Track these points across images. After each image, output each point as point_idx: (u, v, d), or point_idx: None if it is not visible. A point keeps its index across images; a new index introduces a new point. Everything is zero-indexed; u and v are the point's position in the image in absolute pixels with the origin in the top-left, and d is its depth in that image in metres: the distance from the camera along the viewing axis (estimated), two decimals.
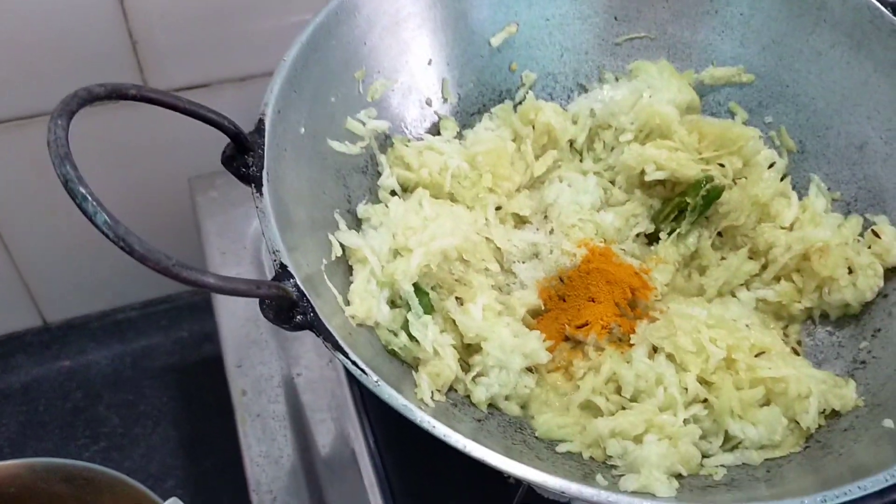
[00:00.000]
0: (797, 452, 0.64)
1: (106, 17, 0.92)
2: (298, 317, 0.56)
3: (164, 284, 1.23)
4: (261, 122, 0.65)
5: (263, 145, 0.64)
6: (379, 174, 0.80)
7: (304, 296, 0.57)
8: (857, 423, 0.64)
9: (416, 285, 0.70)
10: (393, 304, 0.71)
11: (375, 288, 0.69)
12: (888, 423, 0.61)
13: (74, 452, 1.11)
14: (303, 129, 0.71)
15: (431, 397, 0.65)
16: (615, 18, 0.88)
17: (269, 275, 0.88)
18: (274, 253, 0.59)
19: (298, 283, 0.57)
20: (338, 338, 0.56)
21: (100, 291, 1.24)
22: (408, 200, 0.77)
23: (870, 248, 0.74)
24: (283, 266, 0.58)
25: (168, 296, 1.27)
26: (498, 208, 0.81)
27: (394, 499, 0.73)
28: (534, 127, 0.84)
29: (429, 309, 0.70)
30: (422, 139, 0.83)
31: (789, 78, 0.84)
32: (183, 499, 1.09)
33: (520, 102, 0.87)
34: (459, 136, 0.86)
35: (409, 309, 0.69)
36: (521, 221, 0.82)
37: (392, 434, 0.76)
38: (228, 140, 0.63)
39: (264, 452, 0.76)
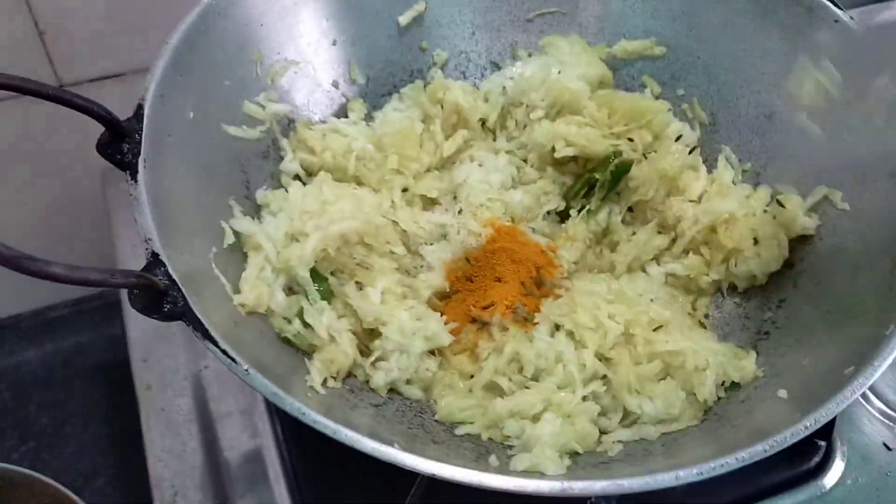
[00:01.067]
0: (695, 426, 0.63)
1: (8, 6, 0.90)
2: (168, 307, 0.54)
3: None
4: (140, 107, 0.63)
5: (141, 131, 0.62)
6: (281, 159, 0.78)
7: (176, 285, 0.55)
8: (753, 395, 0.63)
9: (314, 271, 0.69)
10: (290, 290, 0.69)
11: (270, 275, 0.68)
12: (782, 392, 0.60)
13: (2, 454, 1.09)
14: (191, 114, 0.69)
15: (324, 384, 0.63)
16: None
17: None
18: (146, 241, 0.57)
19: (170, 271, 0.55)
20: (208, 326, 0.54)
21: (31, 289, 1.21)
22: (309, 185, 0.75)
23: (775, 218, 0.73)
24: (154, 255, 0.56)
25: (101, 293, 1.25)
26: (405, 190, 0.79)
27: (300, 492, 0.71)
28: (442, 106, 0.83)
29: (327, 294, 0.69)
30: (325, 122, 0.81)
31: (700, 48, 0.83)
32: (113, 497, 1.08)
33: (429, 82, 0.86)
34: (369, 117, 0.84)
35: (307, 295, 0.68)
36: (430, 203, 0.81)
37: (300, 426, 0.74)
38: None
39: (167, 447, 0.74)
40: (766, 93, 0.79)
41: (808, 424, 0.53)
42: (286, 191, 0.74)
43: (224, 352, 0.53)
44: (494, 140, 0.85)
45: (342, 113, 0.83)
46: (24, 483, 0.77)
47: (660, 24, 0.85)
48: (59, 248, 1.10)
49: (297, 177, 0.77)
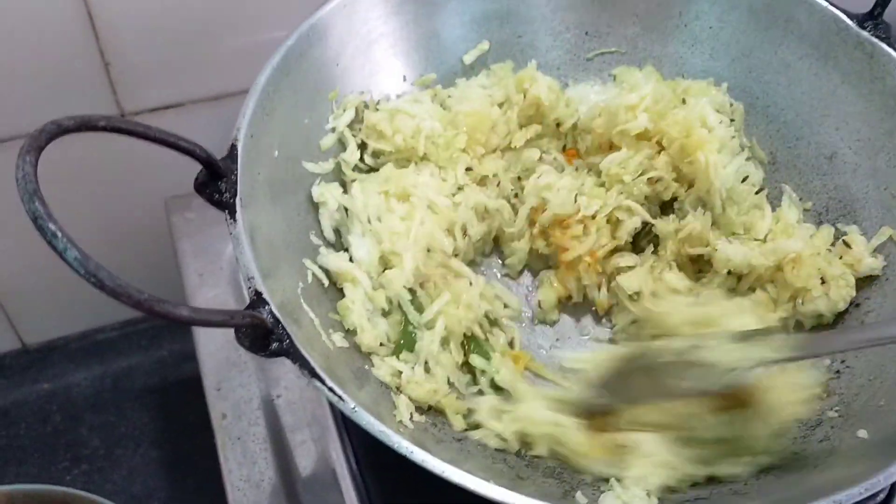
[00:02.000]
0: (778, 466, 0.64)
1: (77, 38, 0.92)
2: (274, 344, 0.56)
3: None
4: (233, 147, 0.65)
5: (236, 171, 0.64)
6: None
7: (280, 323, 0.57)
8: (832, 434, 0.65)
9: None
10: (383, 312, 0.71)
11: (371, 308, 0.71)
12: (862, 433, 0.62)
13: (56, 476, 1.10)
14: (276, 153, 0.71)
15: (410, 419, 0.65)
16: (586, 34, 0.89)
17: (246, 296, 0.89)
18: (248, 280, 0.59)
19: (273, 310, 0.57)
20: (314, 364, 0.56)
21: (78, 312, 1.23)
22: (367, 184, 0.77)
23: (841, 258, 0.75)
24: (257, 293, 0.58)
25: (147, 315, 1.26)
26: (468, 169, 0.82)
27: None
28: (525, 96, 0.84)
29: (420, 307, 0.71)
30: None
31: (759, 90, 0.85)
32: None
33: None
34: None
35: (403, 316, 0.70)
36: (483, 183, 0.83)
37: (373, 454, 0.76)
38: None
39: (245, 476, 0.76)
40: (827, 134, 0.81)
41: None
42: (341, 187, 0.76)
43: (331, 389, 0.55)
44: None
45: None
46: None
47: (719, 65, 0.87)
48: (126, 278, 1.11)
49: (355, 167, 0.79)
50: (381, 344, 0.69)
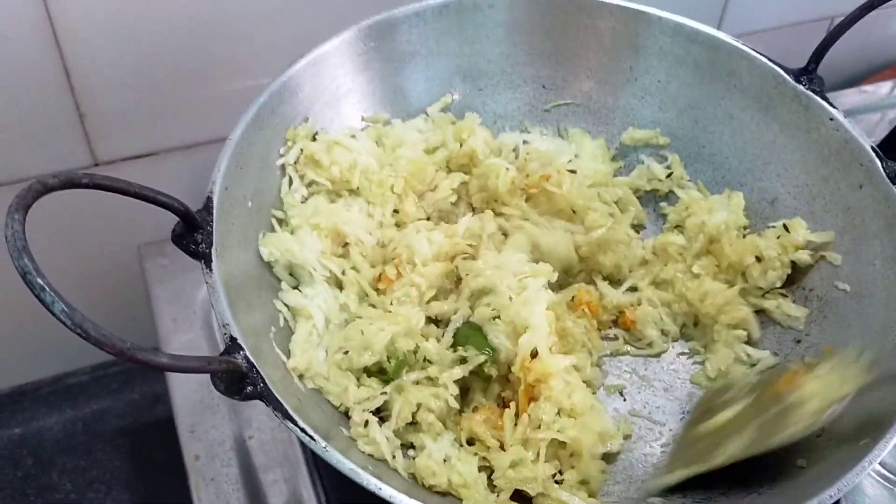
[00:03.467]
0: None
1: (53, 90, 0.95)
2: (248, 388, 0.59)
3: None
4: (209, 199, 0.69)
5: (212, 222, 0.67)
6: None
7: (254, 367, 0.60)
8: (774, 463, 0.69)
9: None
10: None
11: (317, 339, 0.74)
12: (801, 462, 0.66)
13: None
14: (250, 203, 0.75)
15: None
16: (543, 87, 0.94)
17: (220, 340, 0.92)
18: (224, 326, 0.62)
19: (248, 354, 0.60)
20: (287, 407, 0.59)
21: (49, 356, 1.24)
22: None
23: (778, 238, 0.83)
24: (232, 339, 0.61)
25: (119, 360, 1.28)
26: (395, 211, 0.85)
27: None
28: (461, 145, 0.88)
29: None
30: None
31: (705, 139, 0.91)
32: None
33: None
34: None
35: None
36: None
37: (343, 492, 0.79)
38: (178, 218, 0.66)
39: None
40: (769, 180, 0.86)
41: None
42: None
43: (303, 430, 0.58)
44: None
45: None
46: None
47: (667, 116, 0.92)
48: (100, 323, 1.13)
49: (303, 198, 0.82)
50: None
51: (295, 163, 0.81)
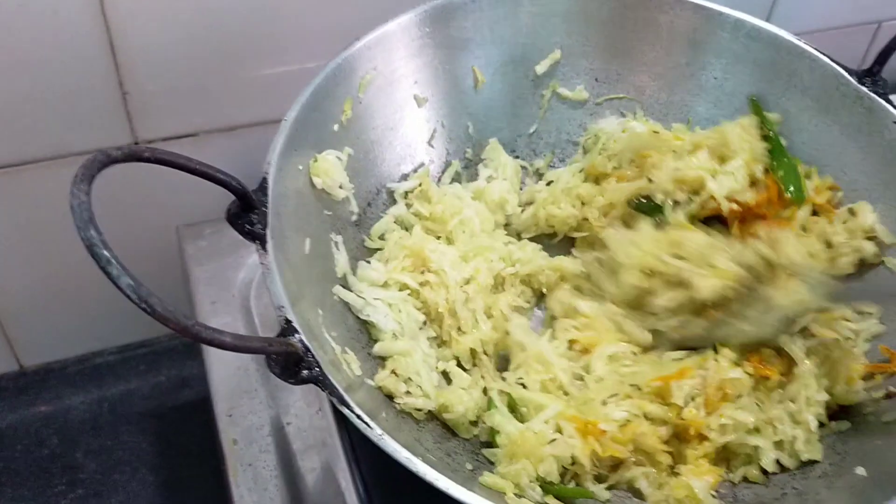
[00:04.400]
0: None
1: (98, 67, 0.94)
2: (304, 371, 0.58)
3: (142, 329, 1.23)
4: (264, 180, 0.68)
5: (267, 203, 0.66)
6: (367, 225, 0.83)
7: (309, 350, 0.58)
8: (830, 471, 0.68)
9: None
10: None
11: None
12: (860, 470, 0.65)
13: (51, 500, 1.10)
14: (301, 186, 0.74)
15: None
16: (596, 80, 0.93)
17: (258, 324, 0.91)
18: (279, 309, 0.61)
19: (303, 338, 0.59)
20: (342, 392, 0.58)
21: (77, 335, 1.23)
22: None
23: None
24: (287, 321, 0.60)
25: (146, 340, 1.27)
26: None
27: None
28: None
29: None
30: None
31: None
32: None
33: None
34: (458, 176, 0.90)
35: None
36: None
37: (382, 481, 0.77)
38: (234, 198, 0.65)
39: (256, 501, 0.77)
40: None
41: None
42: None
43: (359, 417, 0.57)
44: None
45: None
46: None
47: (722, 113, 0.91)
48: None
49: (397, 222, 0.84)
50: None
51: (406, 193, 0.85)
